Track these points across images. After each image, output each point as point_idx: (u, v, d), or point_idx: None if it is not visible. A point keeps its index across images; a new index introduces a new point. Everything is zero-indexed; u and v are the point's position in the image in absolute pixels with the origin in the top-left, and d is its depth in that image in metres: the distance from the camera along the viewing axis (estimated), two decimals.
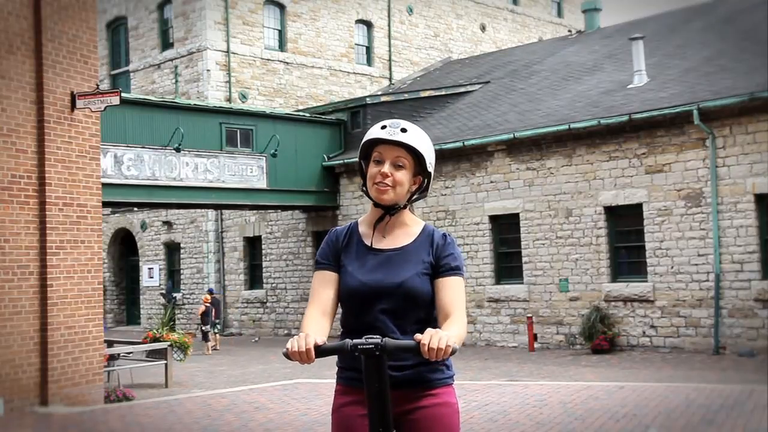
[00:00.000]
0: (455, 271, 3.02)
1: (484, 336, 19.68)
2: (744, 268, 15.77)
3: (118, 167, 18.85)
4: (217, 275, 26.88)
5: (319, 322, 2.96)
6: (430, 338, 2.65)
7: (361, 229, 3.13)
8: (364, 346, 2.70)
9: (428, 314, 3.03)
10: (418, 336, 2.69)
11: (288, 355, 2.75)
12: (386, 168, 2.99)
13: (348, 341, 2.74)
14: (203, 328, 21.45)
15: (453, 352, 2.66)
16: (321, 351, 2.74)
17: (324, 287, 3.06)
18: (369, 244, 3.06)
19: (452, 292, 2.98)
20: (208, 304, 21.72)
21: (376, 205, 3.07)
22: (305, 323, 2.95)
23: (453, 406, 3.03)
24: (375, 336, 2.74)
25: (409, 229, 3.10)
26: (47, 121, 10.83)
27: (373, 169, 3.03)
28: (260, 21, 28.58)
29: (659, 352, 16.63)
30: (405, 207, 3.08)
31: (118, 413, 10.59)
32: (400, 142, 2.98)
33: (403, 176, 3.02)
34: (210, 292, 23.24)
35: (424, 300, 2.99)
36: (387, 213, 3.06)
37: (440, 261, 3.02)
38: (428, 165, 3.05)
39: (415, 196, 3.10)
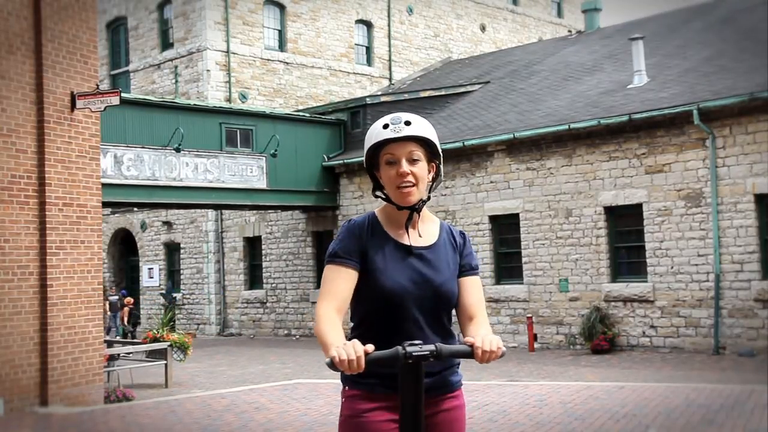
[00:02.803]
0: (475, 270, 3.02)
1: None
2: (744, 269, 15.76)
3: (118, 167, 18.85)
4: (217, 275, 26.88)
5: (337, 325, 2.80)
6: (482, 341, 2.64)
7: (383, 222, 2.99)
8: (419, 353, 2.60)
9: (451, 314, 3.01)
10: (469, 339, 2.68)
11: (333, 365, 2.59)
12: (404, 167, 2.86)
13: (400, 348, 2.62)
14: (127, 328, 22.66)
15: (503, 355, 2.66)
16: (371, 359, 2.60)
17: (343, 283, 2.88)
18: (404, 242, 2.94)
19: (475, 292, 2.98)
20: (131, 306, 22.72)
21: (400, 207, 2.93)
22: (323, 322, 2.79)
23: (465, 406, 3.06)
24: (417, 342, 2.65)
25: (431, 225, 3.03)
26: (47, 121, 10.83)
27: (389, 171, 2.88)
28: (260, 21, 28.58)
29: (659, 352, 16.62)
30: (429, 199, 2.98)
31: (118, 413, 10.59)
32: (409, 137, 2.86)
33: (422, 169, 2.90)
34: (123, 295, 24.20)
35: (454, 302, 2.97)
36: (414, 210, 2.95)
37: (462, 260, 3.00)
38: (439, 149, 2.96)
39: (434, 184, 3.01)
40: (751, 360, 14.97)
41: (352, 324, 3.01)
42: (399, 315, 2.87)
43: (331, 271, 2.90)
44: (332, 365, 2.59)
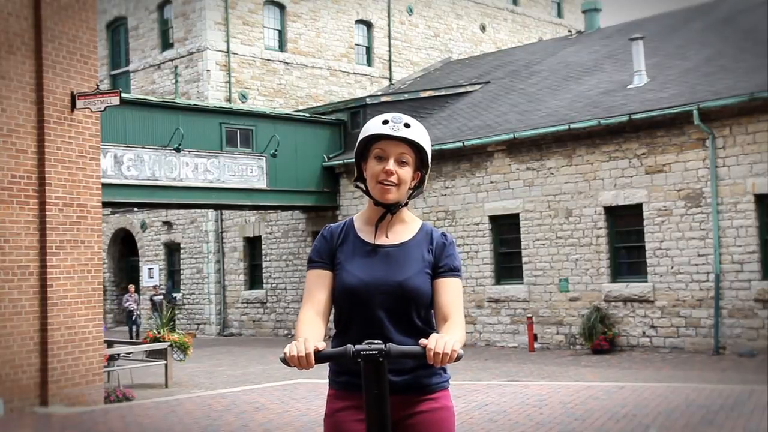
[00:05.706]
0: (455, 272, 2.95)
1: (484, 336, 19.68)
2: (744, 269, 15.76)
3: (118, 167, 18.85)
4: (217, 275, 26.88)
5: (314, 324, 2.85)
6: (435, 343, 2.58)
7: (358, 225, 3.02)
8: (368, 353, 2.59)
9: (426, 314, 2.95)
10: (423, 341, 2.63)
11: (286, 361, 2.62)
12: (391, 165, 2.87)
13: (350, 347, 2.63)
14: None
15: (458, 358, 2.59)
16: (321, 357, 2.63)
17: (319, 287, 2.94)
18: (371, 242, 2.95)
19: (452, 294, 2.91)
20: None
21: (377, 203, 2.95)
22: (301, 325, 2.85)
23: (450, 409, 2.97)
24: (376, 341, 2.64)
25: (408, 226, 3.01)
26: (47, 121, 10.83)
27: (376, 167, 2.89)
28: (260, 21, 28.58)
29: (659, 352, 16.62)
30: (406, 204, 2.99)
31: (118, 413, 10.59)
32: (404, 138, 2.87)
33: (407, 173, 2.91)
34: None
35: (423, 299, 2.91)
36: (389, 211, 2.96)
37: (440, 261, 2.94)
38: (429, 160, 2.97)
39: (414, 192, 3.01)
40: (751, 360, 14.97)
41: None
42: (363, 313, 2.88)
43: (309, 277, 3.00)
44: (284, 360, 2.62)
